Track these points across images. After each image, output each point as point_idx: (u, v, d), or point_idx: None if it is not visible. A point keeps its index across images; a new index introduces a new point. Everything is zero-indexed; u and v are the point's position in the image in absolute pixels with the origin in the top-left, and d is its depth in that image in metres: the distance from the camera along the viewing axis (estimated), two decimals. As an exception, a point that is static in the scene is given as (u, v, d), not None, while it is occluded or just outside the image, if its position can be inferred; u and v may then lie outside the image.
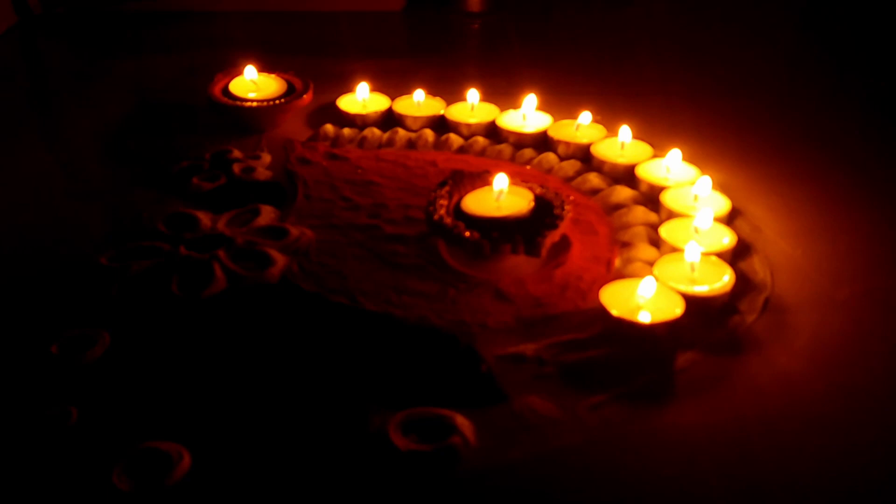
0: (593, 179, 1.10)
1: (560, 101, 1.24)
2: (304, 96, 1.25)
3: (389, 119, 1.26)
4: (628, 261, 0.95)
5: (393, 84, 1.30)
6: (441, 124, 1.24)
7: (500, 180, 0.98)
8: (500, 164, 1.15)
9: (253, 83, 1.26)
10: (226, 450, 0.71)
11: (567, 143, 1.16)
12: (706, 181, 1.01)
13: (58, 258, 0.96)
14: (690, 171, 1.07)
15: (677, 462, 0.72)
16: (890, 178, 1.13)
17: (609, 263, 0.95)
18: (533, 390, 0.78)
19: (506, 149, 1.18)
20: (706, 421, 0.76)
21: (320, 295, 0.90)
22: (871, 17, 1.59)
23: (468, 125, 1.22)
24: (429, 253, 0.97)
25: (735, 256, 0.95)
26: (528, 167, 1.15)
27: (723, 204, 1.01)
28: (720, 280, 0.88)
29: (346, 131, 1.23)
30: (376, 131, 1.23)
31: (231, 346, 0.84)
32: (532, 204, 0.97)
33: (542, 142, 1.19)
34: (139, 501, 0.66)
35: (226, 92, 1.24)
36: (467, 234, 0.94)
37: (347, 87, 1.29)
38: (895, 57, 1.46)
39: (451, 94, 1.27)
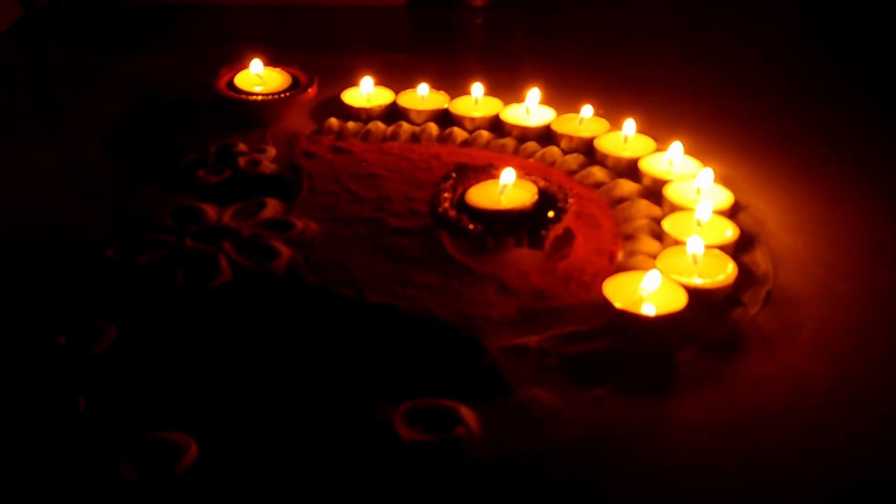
0: (596, 173, 1.11)
1: (563, 95, 1.25)
2: (309, 90, 1.25)
3: (393, 113, 1.26)
4: (631, 254, 0.95)
5: (397, 78, 1.31)
6: (445, 118, 1.25)
7: (508, 175, 0.99)
8: (503, 157, 1.15)
9: (258, 77, 1.26)
10: (232, 440, 0.72)
11: (570, 137, 1.16)
12: (708, 173, 1.02)
13: (63, 253, 0.97)
14: (693, 164, 1.08)
15: (680, 454, 0.73)
16: (892, 172, 1.14)
17: (612, 256, 0.96)
18: (536, 382, 0.79)
19: (509, 142, 1.19)
20: (708, 413, 0.77)
21: (325, 287, 0.91)
22: (874, 11, 1.59)
23: (472, 119, 1.22)
24: (433, 246, 0.97)
25: (737, 249, 0.95)
26: (532, 161, 1.15)
27: (725, 197, 1.02)
28: (723, 273, 0.89)
29: (351, 125, 1.24)
30: (380, 125, 1.23)
31: (237, 338, 0.84)
32: (535, 197, 0.98)
33: (546, 136, 1.19)
34: (146, 491, 0.67)
35: (231, 86, 1.25)
36: (471, 226, 0.94)
37: (352, 81, 1.29)
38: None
39: (455, 87, 1.28)
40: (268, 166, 1.13)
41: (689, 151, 1.09)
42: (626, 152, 1.12)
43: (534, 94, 1.22)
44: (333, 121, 1.24)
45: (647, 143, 1.13)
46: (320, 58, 1.41)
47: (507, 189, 0.98)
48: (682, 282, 0.87)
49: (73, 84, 1.46)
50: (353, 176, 1.12)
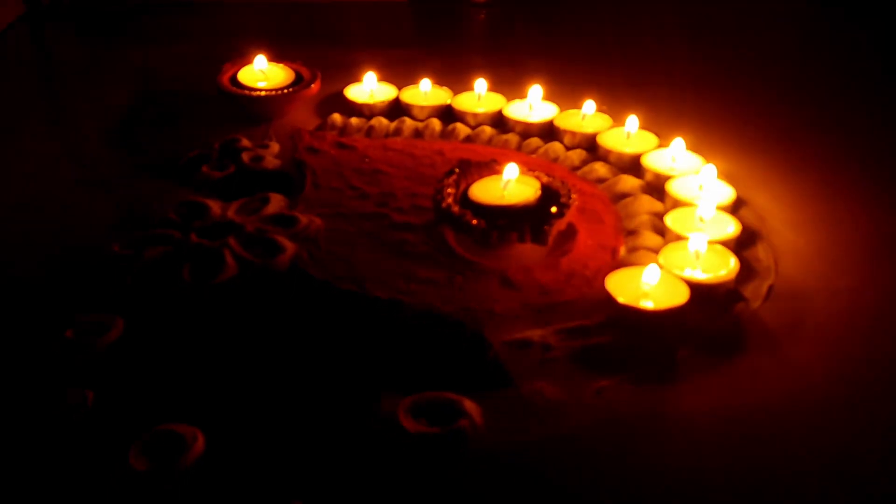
0: (599, 169, 1.11)
1: (566, 91, 1.25)
2: (312, 86, 1.26)
3: (396, 109, 1.27)
4: (634, 249, 0.96)
5: (400, 74, 1.31)
6: (448, 114, 1.25)
7: (511, 170, 0.99)
8: (506, 153, 1.16)
9: (261, 72, 1.27)
10: (238, 433, 0.73)
11: (573, 133, 1.17)
12: (710, 169, 1.02)
13: (69, 247, 0.97)
14: (696, 160, 1.08)
15: (681, 447, 0.73)
16: (894, 167, 1.14)
17: (615, 251, 0.96)
18: (539, 375, 0.79)
19: (512, 138, 1.19)
20: (710, 407, 0.77)
21: (329, 282, 0.91)
22: (879, 4, 1.59)
23: (475, 115, 1.23)
24: (436, 241, 0.98)
25: (739, 244, 0.96)
26: (535, 156, 1.16)
27: (728, 193, 1.02)
28: (724, 268, 0.89)
29: (354, 121, 1.24)
30: (384, 121, 1.24)
31: (242, 333, 0.85)
32: (539, 192, 0.98)
33: (549, 131, 1.20)
34: (154, 483, 0.67)
35: (234, 81, 1.25)
36: (474, 222, 0.94)
37: (355, 77, 1.29)
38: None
39: (458, 83, 1.28)
40: (271, 162, 1.13)
41: (692, 147, 1.09)
42: (629, 148, 1.12)
43: (536, 90, 1.22)
44: (337, 116, 1.24)
45: (650, 138, 1.14)
46: (323, 53, 1.41)
47: (511, 184, 0.99)
48: (684, 277, 0.87)
49: (77, 79, 1.46)
50: (357, 172, 1.12)
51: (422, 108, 1.24)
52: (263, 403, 0.76)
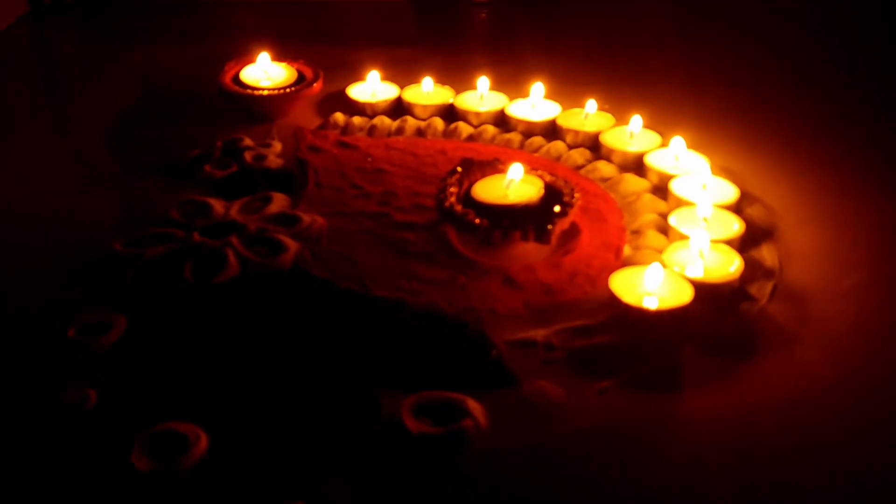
0: (602, 168, 1.11)
1: (568, 90, 1.25)
2: (315, 85, 1.25)
3: (399, 108, 1.27)
4: (637, 248, 0.95)
5: (402, 73, 1.31)
6: (450, 113, 1.25)
7: (515, 170, 0.99)
8: (509, 152, 1.15)
9: (263, 72, 1.26)
10: (240, 432, 0.72)
11: (576, 132, 1.17)
12: (705, 166, 1.02)
13: (71, 246, 0.97)
14: (699, 159, 1.08)
15: (684, 447, 0.73)
16: (898, 166, 1.14)
17: (618, 251, 0.96)
18: (543, 375, 0.79)
19: (515, 137, 1.19)
20: (714, 407, 0.77)
21: (331, 281, 0.91)
22: (881, 4, 1.59)
23: (477, 114, 1.23)
24: (439, 240, 0.97)
25: (744, 244, 0.95)
26: (537, 155, 1.15)
27: (732, 191, 1.02)
28: (729, 267, 0.89)
29: (356, 120, 1.24)
30: (386, 120, 1.24)
31: (244, 332, 0.84)
32: (542, 192, 0.98)
33: (551, 130, 1.19)
34: (157, 482, 0.67)
35: (237, 80, 1.25)
36: (477, 221, 0.94)
37: (357, 76, 1.29)
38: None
39: (460, 82, 1.28)
40: (273, 161, 1.13)
41: (696, 146, 1.09)
42: (632, 147, 1.12)
43: (538, 89, 1.22)
44: (339, 116, 1.24)
45: (653, 137, 1.13)
46: (326, 52, 1.41)
47: (514, 184, 0.99)
48: (688, 276, 0.87)
49: (80, 78, 1.46)
50: (359, 171, 1.12)
51: (424, 107, 1.24)
52: (265, 403, 0.76)
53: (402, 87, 1.28)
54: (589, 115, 1.18)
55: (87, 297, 0.88)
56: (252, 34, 1.47)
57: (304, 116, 1.26)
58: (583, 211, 1.00)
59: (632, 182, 1.07)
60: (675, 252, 0.91)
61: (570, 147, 1.16)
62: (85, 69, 1.48)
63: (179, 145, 1.16)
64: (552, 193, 0.98)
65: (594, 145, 1.15)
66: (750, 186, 1.05)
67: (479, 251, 0.95)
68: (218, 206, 1.01)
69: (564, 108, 1.21)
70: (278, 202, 1.03)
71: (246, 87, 1.24)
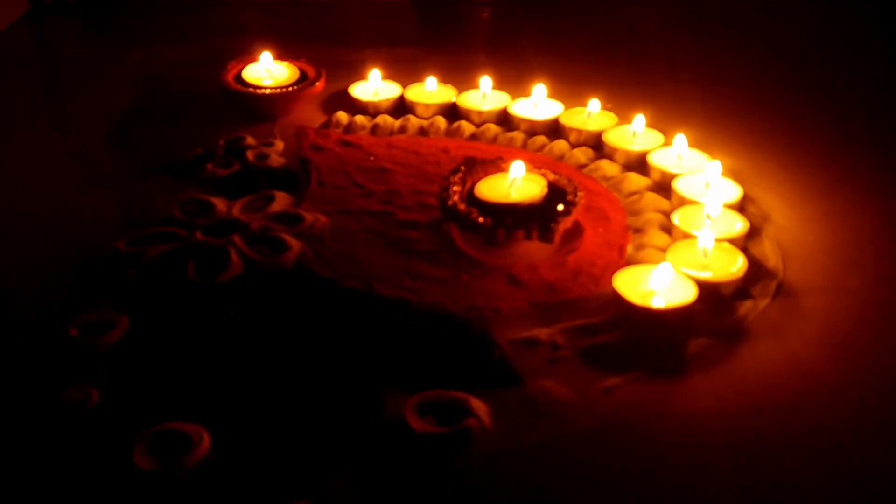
0: (605, 167, 1.11)
1: (571, 89, 1.24)
2: (317, 84, 1.25)
3: (401, 106, 1.26)
4: (641, 247, 0.95)
5: (404, 72, 1.31)
6: (453, 112, 1.25)
7: (517, 168, 0.99)
8: (511, 151, 1.15)
9: (266, 70, 1.26)
10: (243, 432, 0.72)
11: (578, 131, 1.16)
12: (716, 166, 1.02)
13: (73, 245, 0.97)
14: (702, 158, 1.08)
15: (689, 446, 0.73)
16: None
17: (621, 249, 0.96)
18: (547, 374, 0.79)
19: (517, 136, 1.19)
20: (718, 405, 0.77)
21: (334, 280, 0.91)
22: (882, 4, 1.59)
23: (480, 113, 1.22)
24: (442, 239, 0.97)
25: (747, 242, 0.95)
26: (540, 154, 1.15)
27: (735, 190, 1.02)
28: (732, 266, 0.89)
29: (359, 118, 1.24)
30: (388, 119, 1.23)
31: (247, 331, 0.84)
32: (545, 190, 0.98)
33: (554, 129, 1.19)
34: (160, 482, 0.67)
35: (239, 79, 1.25)
36: (481, 220, 0.94)
37: (359, 75, 1.29)
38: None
39: (463, 81, 1.28)
40: (276, 160, 1.13)
41: (698, 145, 1.09)
42: (635, 146, 1.12)
43: (540, 88, 1.22)
44: (342, 114, 1.24)
45: (656, 136, 1.13)
46: (328, 51, 1.41)
47: (517, 182, 0.99)
48: (691, 275, 0.87)
49: (81, 76, 1.46)
50: (362, 169, 1.12)
51: (426, 105, 1.24)
52: (267, 402, 0.75)
53: (404, 86, 1.28)
54: (591, 114, 1.18)
55: (88, 297, 0.88)
56: (254, 33, 1.47)
57: (306, 115, 1.25)
58: (586, 210, 1.00)
59: (634, 181, 1.07)
60: (678, 251, 0.91)
61: (573, 146, 1.16)
62: (85, 69, 1.48)
63: (181, 144, 1.16)
64: (555, 192, 0.98)
65: (597, 144, 1.15)
66: (753, 185, 1.05)
67: (483, 250, 0.95)
68: (220, 204, 1.01)
69: (567, 107, 1.21)
70: (281, 201, 1.03)
71: (248, 85, 1.24)
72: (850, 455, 0.72)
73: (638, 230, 0.98)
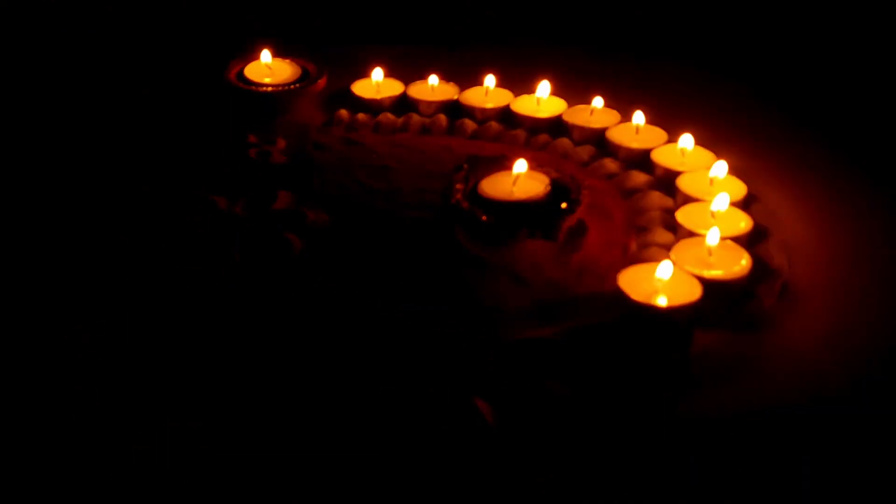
0: (609, 164, 1.10)
1: (574, 86, 1.24)
2: (319, 81, 1.25)
3: (404, 104, 1.26)
4: (645, 245, 0.95)
5: (407, 69, 1.30)
6: (455, 109, 1.25)
7: (520, 165, 0.99)
8: (514, 149, 1.15)
9: (268, 68, 1.26)
10: (245, 429, 0.72)
11: (581, 128, 1.16)
12: (722, 165, 1.02)
13: (74, 244, 0.96)
14: (706, 155, 1.07)
15: (694, 447, 0.73)
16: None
17: (625, 248, 0.96)
18: (550, 373, 0.79)
19: (520, 134, 1.19)
20: (723, 405, 0.77)
21: (336, 278, 0.91)
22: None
23: (482, 110, 1.22)
24: (445, 237, 0.97)
25: (751, 241, 0.95)
26: (543, 152, 1.15)
27: (739, 189, 1.01)
28: (737, 265, 0.89)
29: (361, 116, 1.23)
30: (391, 116, 1.23)
31: (246, 330, 0.84)
32: (548, 188, 0.98)
33: (557, 127, 1.19)
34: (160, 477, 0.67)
35: (241, 77, 1.25)
36: (484, 218, 0.94)
37: (361, 73, 1.29)
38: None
39: (465, 78, 1.27)
40: (278, 157, 1.12)
41: (703, 142, 1.09)
42: (638, 143, 1.11)
43: (544, 85, 1.22)
44: (344, 112, 1.24)
45: (659, 134, 1.13)
46: (330, 48, 1.40)
47: (520, 180, 0.98)
48: (696, 273, 0.87)
49: (82, 74, 1.45)
50: (364, 167, 1.11)
51: (429, 103, 1.24)
52: (270, 402, 0.75)
53: (406, 84, 1.27)
54: (595, 112, 1.18)
55: (90, 296, 0.87)
56: (256, 30, 1.46)
57: (308, 113, 1.25)
58: (589, 208, 1.00)
59: (638, 178, 1.07)
60: (683, 249, 0.91)
61: (576, 143, 1.16)
62: (87, 64, 1.47)
63: (183, 143, 1.16)
64: (559, 190, 0.98)
65: (600, 141, 1.15)
66: (757, 184, 1.05)
67: (486, 249, 0.95)
68: (222, 202, 1.01)
69: (570, 105, 1.21)
70: (283, 199, 1.03)
71: (250, 83, 1.24)
72: (856, 455, 0.71)
73: (642, 228, 0.98)
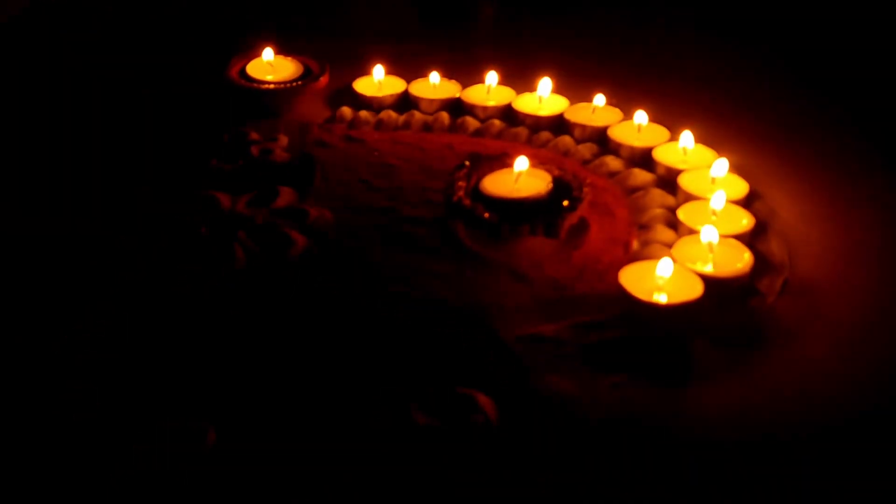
0: (610, 162, 1.10)
1: (576, 84, 1.24)
2: (321, 79, 1.25)
3: (405, 102, 1.26)
4: (646, 243, 0.95)
5: (408, 66, 1.30)
6: (457, 107, 1.24)
7: (521, 162, 0.99)
8: (516, 146, 1.15)
9: (269, 65, 1.26)
10: (248, 427, 0.72)
11: (583, 126, 1.16)
12: (722, 164, 1.01)
13: (73, 243, 0.96)
14: (708, 153, 1.07)
15: (695, 442, 0.73)
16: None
17: (627, 245, 0.95)
18: (553, 370, 0.79)
19: (522, 132, 1.18)
20: (725, 402, 0.77)
21: (338, 275, 0.91)
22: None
23: (484, 108, 1.22)
24: (447, 235, 0.97)
25: (753, 239, 0.95)
26: (545, 150, 1.15)
27: (741, 186, 1.01)
28: (739, 262, 0.88)
29: (363, 114, 1.23)
30: (392, 114, 1.23)
31: (250, 327, 0.84)
32: (550, 186, 0.98)
33: (559, 125, 1.19)
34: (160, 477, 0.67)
35: (243, 74, 1.25)
36: (486, 215, 0.94)
37: (363, 70, 1.29)
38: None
39: (467, 76, 1.27)
40: (280, 155, 1.12)
41: (704, 140, 1.08)
42: (640, 141, 1.11)
43: (545, 83, 1.21)
44: (346, 110, 1.24)
45: (661, 132, 1.13)
46: (332, 46, 1.40)
47: (522, 178, 0.98)
48: (697, 271, 0.86)
49: (82, 73, 1.45)
50: (366, 165, 1.11)
51: (430, 101, 1.24)
52: (272, 398, 0.75)
53: (408, 81, 1.27)
54: (597, 110, 1.18)
55: (89, 297, 0.88)
56: (258, 28, 1.46)
57: (310, 110, 1.25)
58: (591, 205, 1.00)
59: (640, 176, 1.07)
60: (684, 247, 0.91)
61: (578, 141, 1.16)
62: (87, 63, 1.47)
63: (184, 140, 1.16)
64: (561, 187, 0.98)
65: (602, 139, 1.15)
66: (759, 181, 1.04)
67: (488, 246, 0.95)
68: (225, 199, 1.01)
69: (572, 103, 1.20)
70: (285, 196, 1.03)
71: (252, 80, 1.24)
72: (857, 452, 0.71)
73: (644, 226, 0.98)
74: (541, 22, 1.62)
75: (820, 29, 1.42)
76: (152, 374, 0.78)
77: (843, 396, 0.77)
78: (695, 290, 0.84)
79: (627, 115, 1.16)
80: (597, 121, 1.16)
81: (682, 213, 0.96)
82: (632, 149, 1.11)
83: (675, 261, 0.86)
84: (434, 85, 1.26)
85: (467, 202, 0.96)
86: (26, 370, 0.78)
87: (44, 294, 0.88)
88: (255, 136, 1.16)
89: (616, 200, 1.03)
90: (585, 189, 0.97)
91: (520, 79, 1.26)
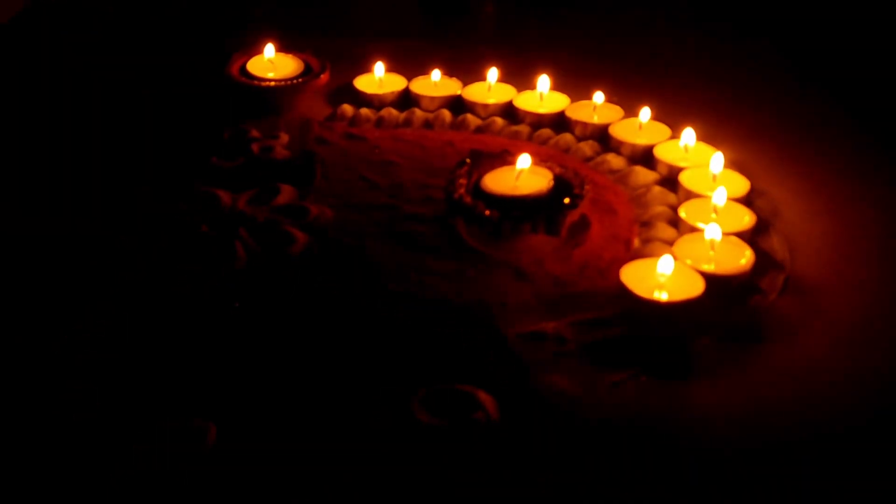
0: (611, 160, 1.10)
1: (577, 82, 1.24)
2: (322, 76, 1.25)
3: (406, 99, 1.26)
4: (647, 241, 0.95)
5: (409, 64, 1.30)
6: (458, 105, 1.24)
7: (523, 160, 0.99)
8: (517, 144, 1.15)
9: (270, 63, 1.26)
10: (248, 427, 0.72)
11: (584, 124, 1.16)
12: (719, 158, 1.01)
13: (74, 243, 0.96)
14: (709, 151, 1.07)
15: (696, 441, 0.73)
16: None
17: (628, 243, 0.95)
18: (554, 368, 0.79)
19: (523, 129, 1.18)
20: (726, 400, 0.77)
21: (339, 273, 0.91)
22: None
23: (485, 106, 1.22)
24: (448, 232, 0.97)
25: (754, 236, 0.95)
26: (546, 148, 1.15)
27: (742, 184, 1.01)
28: (740, 260, 0.88)
29: (364, 111, 1.23)
30: (393, 111, 1.23)
31: (252, 324, 0.84)
32: (551, 183, 0.98)
33: (560, 122, 1.19)
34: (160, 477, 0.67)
35: (243, 71, 1.24)
36: (487, 213, 0.94)
37: (364, 67, 1.28)
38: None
39: (468, 73, 1.27)
40: (281, 152, 1.12)
41: (705, 138, 1.08)
42: (641, 139, 1.11)
43: (543, 80, 1.21)
44: (347, 107, 1.24)
45: (662, 129, 1.13)
46: (333, 43, 1.40)
47: (523, 175, 0.98)
48: (698, 268, 0.86)
49: (82, 72, 1.45)
50: (367, 163, 1.11)
51: (431, 98, 1.23)
52: (273, 397, 0.75)
53: (409, 79, 1.27)
54: (598, 107, 1.18)
55: (89, 297, 0.87)
56: (259, 25, 1.46)
57: (311, 108, 1.25)
58: (592, 203, 0.99)
59: (641, 174, 1.06)
60: (685, 244, 0.91)
61: (579, 139, 1.16)
62: (87, 62, 1.47)
63: (186, 138, 1.16)
64: (562, 185, 0.98)
65: (603, 137, 1.15)
66: (760, 179, 1.04)
67: (489, 243, 0.95)
68: (225, 197, 1.01)
69: (573, 100, 1.20)
70: (286, 194, 1.03)
71: (253, 78, 1.24)
72: (858, 450, 0.71)
73: (645, 224, 0.98)
74: (542, 20, 1.62)
75: (823, 28, 1.42)
76: (152, 374, 0.78)
77: (844, 394, 0.77)
78: (696, 288, 0.84)
79: (628, 113, 1.16)
80: (598, 119, 1.16)
81: (684, 211, 0.96)
82: (633, 146, 1.11)
83: (676, 258, 0.86)
84: (435, 82, 1.26)
85: (468, 200, 0.96)
86: (26, 370, 0.78)
87: (44, 294, 0.88)
88: (255, 133, 1.16)
89: (617, 198, 1.03)
90: (586, 187, 0.97)
91: (521, 76, 1.25)
